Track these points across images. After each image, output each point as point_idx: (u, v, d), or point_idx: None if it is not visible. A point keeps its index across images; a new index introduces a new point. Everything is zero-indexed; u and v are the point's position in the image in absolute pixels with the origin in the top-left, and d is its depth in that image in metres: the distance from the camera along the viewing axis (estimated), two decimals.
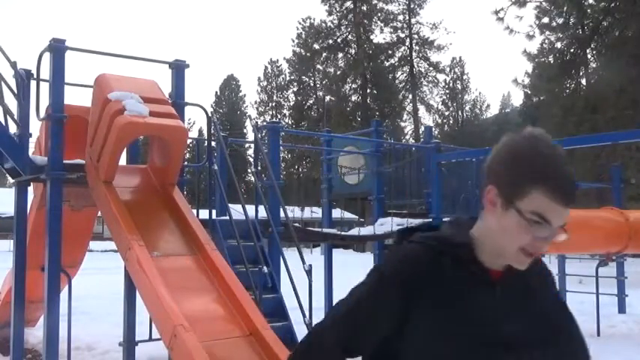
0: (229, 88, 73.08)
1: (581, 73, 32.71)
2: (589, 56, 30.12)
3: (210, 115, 6.29)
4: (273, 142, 7.45)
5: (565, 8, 29.10)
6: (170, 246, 4.99)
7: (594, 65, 30.90)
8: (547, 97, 32.71)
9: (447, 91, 63.72)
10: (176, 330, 3.94)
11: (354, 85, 54.51)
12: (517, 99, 69.91)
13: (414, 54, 55.23)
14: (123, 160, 5.49)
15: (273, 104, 64.76)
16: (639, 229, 8.74)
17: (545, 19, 30.75)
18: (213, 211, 6.21)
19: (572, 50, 28.41)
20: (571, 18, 29.13)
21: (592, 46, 27.47)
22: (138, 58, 6.00)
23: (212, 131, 6.26)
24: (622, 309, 11.53)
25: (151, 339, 5.42)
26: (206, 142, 6.36)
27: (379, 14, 53.90)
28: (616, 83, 23.52)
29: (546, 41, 33.37)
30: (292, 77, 62.80)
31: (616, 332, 9.15)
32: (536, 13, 30.34)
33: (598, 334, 8.66)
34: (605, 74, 26.66)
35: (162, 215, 5.26)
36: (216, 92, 73.18)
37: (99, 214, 5.97)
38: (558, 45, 31.16)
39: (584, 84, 32.88)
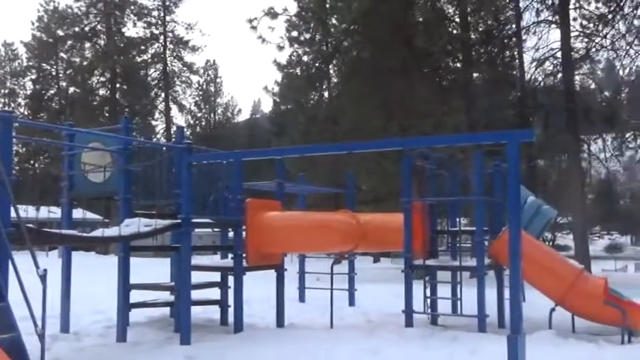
0: None
1: (324, 87, 35.56)
2: (331, 72, 32.85)
3: None
4: (5, 134, 6.65)
5: (312, 25, 31.37)
6: None
7: (335, 80, 33.81)
8: (294, 106, 34.86)
9: (200, 93, 64.04)
10: None
11: (102, 79, 51.43)
12: (267, 106, 73.21)
13: (167, 52, 54.32)
14: None
15: (6, 91, 58.09)
16: (368, 230, 9.78)
17: (295, 33, 32.80)
18: None
19: (317, 65, 30.66)
20: (317, 35, 31.49)
21: (334, 62, 29.94)
22: None
23: None
24: (352, 302, 12.77)
25: None
26: None
27: (132, 7, 51.85)
28: (352, 98, 26.03)
29: (295, 54, 35.64)
30: (30, 63, 57.02)
31: (347, 324, 10.08)
32: (287, 26, 32.23)
33: (331, 327, 9.44)
34: (344, 90, 29.33)
35: None
36: None
37: None
38: (305, 58, 33.46)
39: (327, 97, 35.78)
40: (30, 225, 6.30)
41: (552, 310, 9.01)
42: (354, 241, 9.66)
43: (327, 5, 29.36)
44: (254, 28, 26.13)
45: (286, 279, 10.09)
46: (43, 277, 5.23)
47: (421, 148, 9.96)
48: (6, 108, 50.48)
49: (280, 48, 29.17)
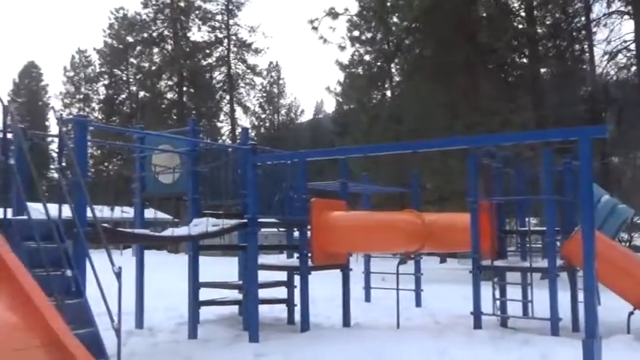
0: (29, 76, 67.13)
1: (386, 86, 35.30)
2: (393, 70, 32.57)
3: (5, 104, 5.68)
4: (80, 137, 6.92)
5: (373, 24, 31.17)
6: None
7: (398, 79, 33.49)
8: (356, 105, 34.74)
9: (264, 94, 64.84)
10: None
11: (170, 82, 53.04)
12: (330, 106, 73.38)
13: (231, 55, 55.33)
14: None
15: (81, 97, 60.63)
16: (434, 230, 9.64)
17: (356, 33, 32.71)
18: (9, 210, 5.61)
19: (379, 64, 30.45)
20: (378, 33, 31.27)
21: (396, 61, 29.65)
22: None
23: (8, 122, 5.67)
24: (418, 303, 12.62)
25: None
26: (1, 133, 5.74)
27: (197, 12, 53.13)
28: (415, 97, 25.70)
29: (356, 53, 35.55)
30: (103, 69, 59.32)
31: (413, 324, 9.97)
32: (348, 26, 32.18)
33: (398, 327, 9.36)
34: (406, 88, 29.01)
35: None
36: (14, 80, 66.81)
37: None
38: (367, 58, 33.32)
39: (389, 95, 35.51)
40: (105, 224, 6.54)
41: (630, 313, 8.62)
42: (420, 240, 9.55)
43: (388, 4, 29.13)
44: (315, 28, 26.22)
45: (351, 279, 10.09)
46: (118, 275, 5.41)
47: (487, 146, 9.73)
48: (81, 113, 52.93)
49: (342, 48, 29.17)
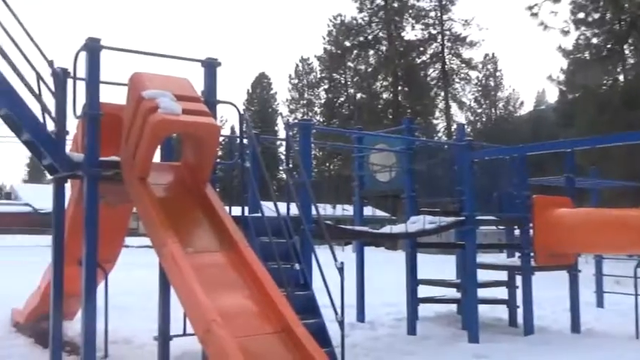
0: (261, 85, 73.51)
1: (618, 70, 31.98)
2: (626, 52, 29.44)
3: (242, 112, 6.31)
4: (305, 140, 7.44)
5: (601, 3, 28.47)
6: (203, 242, 5.03)
7: (632, 61, 30.17)
8: (583, 93, 32.02)
9: (480, 88, 63.04)
10: (210, 325, 3.97)
11: (385, 83, 54.26)
12: (552, 96, 68.60)
13: (445, 51, 54.73)
14: (157, 158, 5.54)
15: (304, 102, 64.91)
16: None
17: (581, 15, 30.10)
18: (246, 208, 6.24)
19: (608, 46, 27.76)
20: (607, 13, 28.48)
21: (629, 41, 26.79)
22: (171, 57, 6.03)
23: (244, 129, 6.29)
24: None
25: (185, 334, 5.48)
26: (238, 139, 6.39)
27: (410, 11, 53.54)
28: None
29: (582, 37, 32.69)
30: (323, 75, 62.81)
31: None
32: (572, 9, 29.74)
33: (637, 337, 8.45)
34: None
35: (196, 212, 5.31)
36: (248, 90, 73.73)
37: (134, 210, 6.05)
38: (594, 40, 30.51)
39: (622, 80, 32.13)
40: (328, 222, 6.93)
41: None
42: None
43: None
44: (535, 14, 24.80)
45: (580, 281, 9.36)
46: (340, 270, 5.70)
47: None
48: (305, 117, 56.66)
49: (565, 32, 27.15)
